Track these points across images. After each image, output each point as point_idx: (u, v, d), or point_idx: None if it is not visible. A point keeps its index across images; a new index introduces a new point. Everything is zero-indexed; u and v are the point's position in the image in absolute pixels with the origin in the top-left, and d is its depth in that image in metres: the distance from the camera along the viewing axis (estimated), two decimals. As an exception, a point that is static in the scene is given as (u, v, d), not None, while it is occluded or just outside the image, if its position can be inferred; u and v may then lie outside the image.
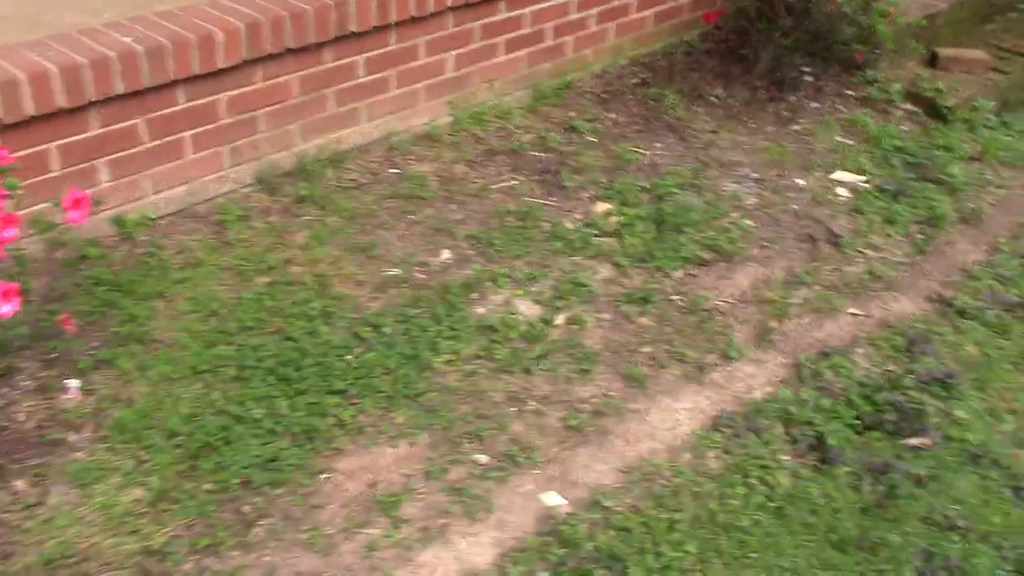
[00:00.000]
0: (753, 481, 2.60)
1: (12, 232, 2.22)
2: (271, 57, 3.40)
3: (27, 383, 2.57)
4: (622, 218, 3.55)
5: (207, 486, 2.40)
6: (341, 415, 2.64)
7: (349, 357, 2.82)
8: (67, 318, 2.44)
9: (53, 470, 2.37)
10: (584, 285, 3.21)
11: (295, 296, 3.02)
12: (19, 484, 2.32)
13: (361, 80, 3.71)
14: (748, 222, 3.62)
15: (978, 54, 4.84)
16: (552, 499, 2.50)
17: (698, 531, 2.45)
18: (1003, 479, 2.68)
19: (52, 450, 2.42)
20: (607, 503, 2.49)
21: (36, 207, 2.94)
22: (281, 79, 3.47)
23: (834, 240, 3.59)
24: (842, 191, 3.89)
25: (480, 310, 3.07)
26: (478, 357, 2.90)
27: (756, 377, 2.96)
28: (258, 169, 3.52)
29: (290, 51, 3.44)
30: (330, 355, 2.81)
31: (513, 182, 3.72)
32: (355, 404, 2.69)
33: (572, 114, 4.18)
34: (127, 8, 3.36)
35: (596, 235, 3.47)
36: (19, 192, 2.34)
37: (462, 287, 3.14)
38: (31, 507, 2.28)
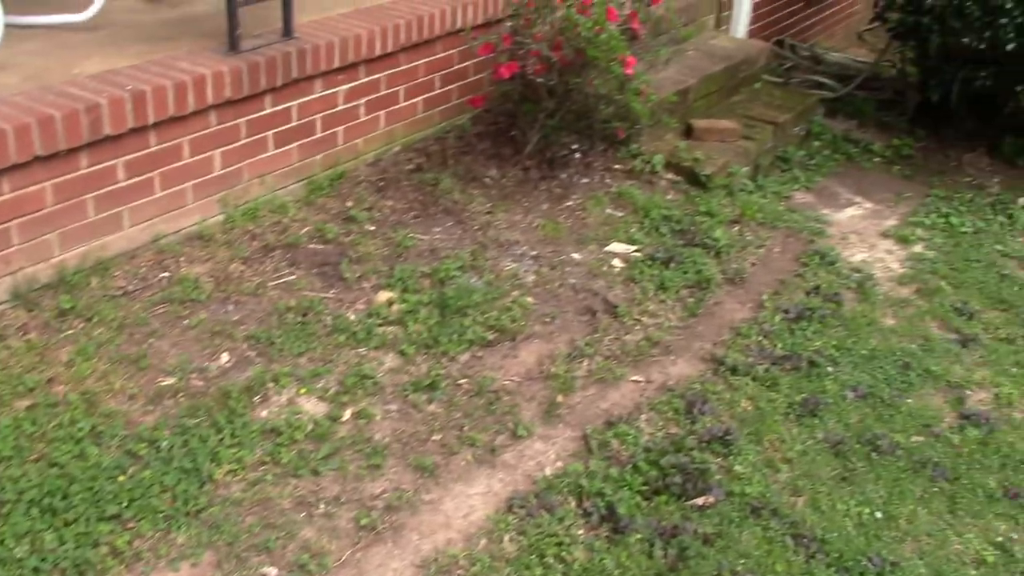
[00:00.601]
0: (549, 560, 2.62)
1: None
2: (18, 167, 3.23)
3: None
4: (404, 305, 3.55)
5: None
6: (115, 542, 2.48)
7: (122, 478, 2.66)
8: None
9: None
10: (370, 377, 3.18)
11: (59, 418, 2.83)
12: None
13: (122, 183, 3.57)
14: (529, 299, 3.70)
15: (729, 124, 5.18)
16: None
17: (499, 618, 2.43)
18: (783, 528, 2.80)
19: None
20: (401, 605, 2.44)
21: None
22: (32, 188, 3.29)
23: (612, 310, 3.71)
24: (616, 262, 4.04)
25: (263, 413, 2.98)
26: (263, 463, 2.80)
27: (546, 453, 3.00)
28: (13, 285, 3.30)
29: (39, 159, 3.27)
30: (101, 478, 2.64)
31: (291, 277, 3.66)
32: (130, 528, 2.53)
33: (348, 204, 4.17)
34: None
35: (379, 325, 3.45)
36: None
37: (243, 391, 3.04)
38: None
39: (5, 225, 3.25)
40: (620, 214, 4.42)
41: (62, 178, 3.38)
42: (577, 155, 4.76)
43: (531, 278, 3.85)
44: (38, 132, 3.22)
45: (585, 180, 4.65)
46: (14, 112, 3.23)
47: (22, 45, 3.84)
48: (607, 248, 4.15)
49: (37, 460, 2.68)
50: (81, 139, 3.36)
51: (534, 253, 4.02)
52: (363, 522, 2.65)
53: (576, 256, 4.04)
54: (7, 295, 3.29)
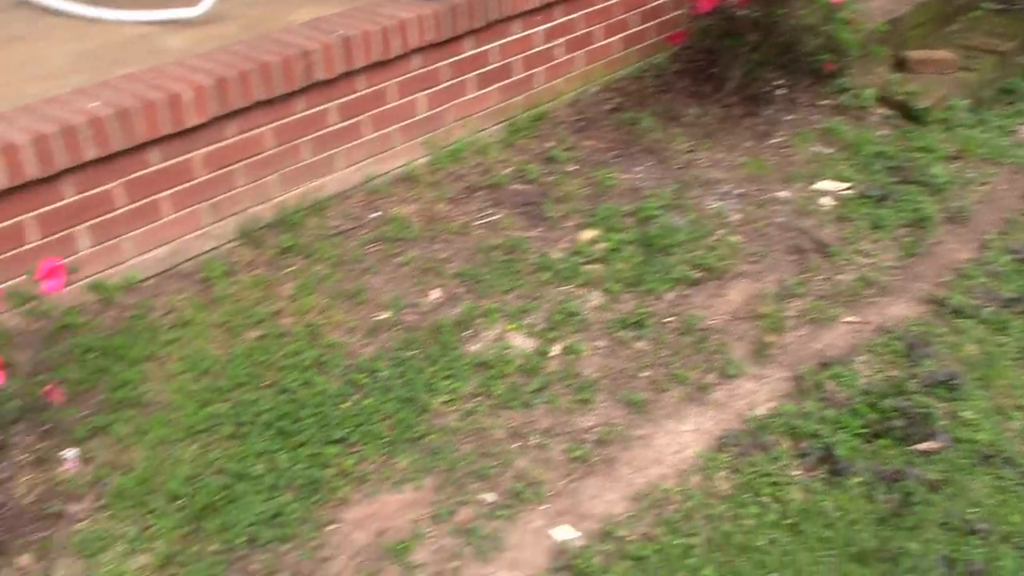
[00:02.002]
0: (765, 499, 2.57)
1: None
2: (242, 111, 3.38)
3: (23, 457, 2.52)
4: (608, 244, 3.53)
5: (213, 547, 2.35)
6: (343, 464, 2.60)
7: (346, 405, 2.78)
8: (52, 389, 2.39)
9: (56, 543, 2.32)
10: (576, 314, 3.19)
11: (287, 348, 2.98)
12: (23, 560, 2.26)
13: (335, 127, 3.70)
14: (734, 238, 3.61)
15: (945, 54, 4.87)
16: (564, 533, 2.45)
17: (714, 555, 2.41)
18: (1017, 477, 2.65)
19: (54, 523, 2.37)
20: (620, 533, 2.45)
21: (16, 280, 2.90)
22: (254, 132, 3.45)
23: (822, 250, 3.58)
24: (826, 200, 3.89)
25: (474, 347, 3.04)
26: (476, 395, 2.86)
27: (757, 393, 2.94)
28: (239, 224, 3.48)
29: (260, 103, 3.43)
30: (327, 404, 2.77)
31: (496, 216, 3.70)
32: (356, 452, 2.65)
33: (549, 144, 4.18)
34: (92, 74, 3.33)
35: (584, 263, 3.45)
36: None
37: (454, 325, 3.11)
38: (35, 584, 2.23)
39: (232, 167, 3.42)
40: (828, 151, 4.24)
41: (281, 122, 3.52)
42: (781, 91, 4.59)
43: (736, 217, 3.75)
44: (258, 78, 3.36)
45: (790, 116, 4.48)
46: (236, 60, 3.38)
47: (240, -4, 4.01)
48: (815, 186, 3.99)
49: (269, 386, 2.83)
50: (296, 84, 3.49)
51: (739, 191, 3.91)
52: (575, 454, 2.67)
53: (783, 194, 3.91)
54: (235, 233, 3.47)
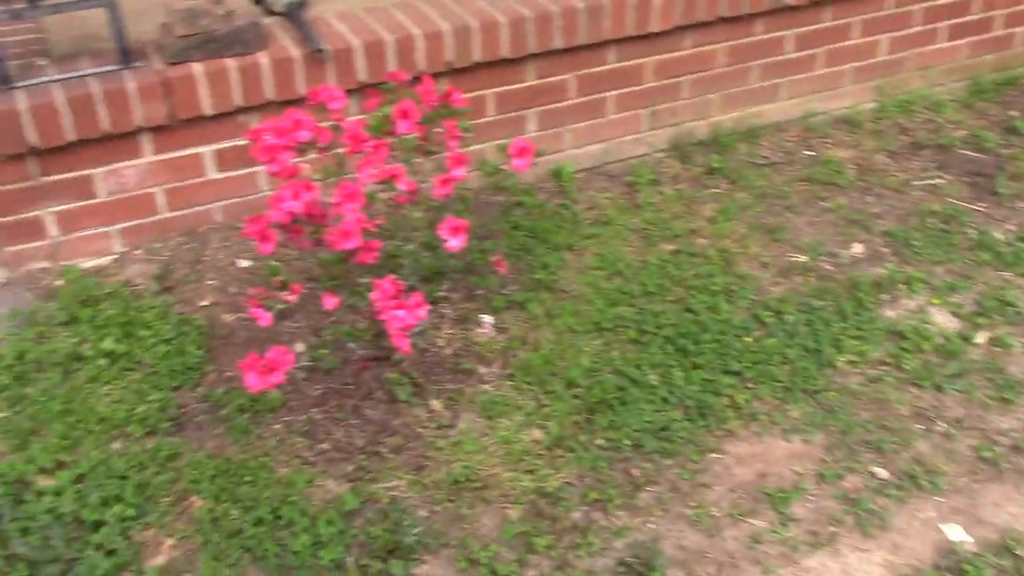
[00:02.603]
0: None
1: (461, 172, 2.34)
2: (703, 25, 3.36)
3: (449, 312, 2.74)
4: (1063, 237, 3.17)
5: (600, 441, 2.44)
6: (735, 397, 2.58)
7: (748, 339, 2.74)
8: (500, 260, 2.55)
9: (464, 397, 2.51)
10: (1012, 305, 2.91)
11: (698, 268, 2.98)
12: (435, 404, 2.48)
13: (788, 56, 3.58)
14: None
15: None
16: (955, 533, 2.29)
17: None
18: None
19: (465, 379, 2.56)
20: (1020, 551, 2.25)
21: (471, 148, 3.11)
22: (708, 48, 3.42)
23: None
24: None
25: (890, 313, 2.87)
26: (884, 363, 2.71)
27: None
28: (673, 135, 3.50)
29: (722, 20, 3.38)
30: (728, 334, 2.75)
31: (939, 180, 3.44)
32: (750, 389, 2.61)
33: (1014, 113, 3.79)
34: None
35: (1032, 251, 3.13)
36: (469, 135, 2.47)
37: (872, 286, 2.95)
38: (443, 427, 2.43)
39: (679, 79, 3.43)
40: None
41: (736, 42, 3.46)
42: None
43: None
44: (729, -7, 3.31)
45: None
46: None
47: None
48: None
49: (675, 302, 2.86)
50: (762, 6, 3.40)
51: None
52: (985, 454, 2.47)
53: None
54: (667, 144, 3.50)
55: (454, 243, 2.22)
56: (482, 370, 2.60)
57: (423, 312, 2.14)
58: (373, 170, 2.23)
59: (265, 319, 2.10)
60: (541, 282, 2.86)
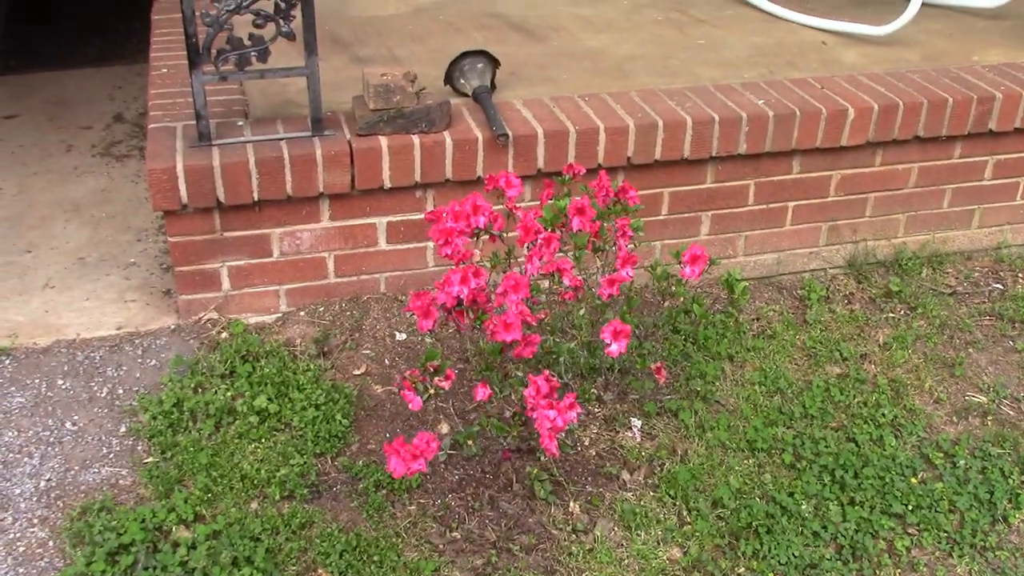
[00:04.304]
0: None
1: (629, 272, 2.29)
2: (896, 143, 3.23)
3: (599, 412, 2.67)
4: None
5: (741, 570, 2.30)
6: (895, 542, 2.40)
7: (914, 480, 2.56)
8: (660, 367, 2.47)
9: (604, 503, 2.43)
10: None
11: (866, 396, 2.82)
12: (573, 506, 2.40)
13: (985, 182, 3.40)
14: None
15: None
16: None
17: None
18: None
19: (607, 483, 2.48)
20: None
21: (641, 245, 3.06)
22: (900, 166, 3.29)
23: None
24: None
25: (1078, 472, 2.63)
26: (1067, 527, 2.48)
27: None
28: (852, 253, 3.36)
29: (918, 139, 3.24)
30: (893, 471, 2.57)
31: None
32: (912, 534, 2.43)
33: None
34: (764, 70, 3.38)
35: None
36: (640, 235, 2.42)
37: (1059, 439, 2.72)
38: (578, 532, 2.35)
39: (866, 195, 3.30)
40: None
41: (931, 163, 3.32)
42: None
43: None
44: (926, 114, 3.18)
45: None
46: (908, 90, 3.22)
47: (927, 24, 3.83)
48: None
49: (836, 429, 2.70)
50: (962, 129, 3.25)
51: None
52: None
53: None
54: (844, 261, 3.36)
55: (615, 347, 2.16)
56: (625, 476, 2.51)
57: (574, 415, 2.08)
58: (541, 262, 2.21)
59: (416, 403, 2.08)
60: (697, 392, 2.76)
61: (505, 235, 2.34)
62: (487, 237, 2.31)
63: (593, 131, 2.92)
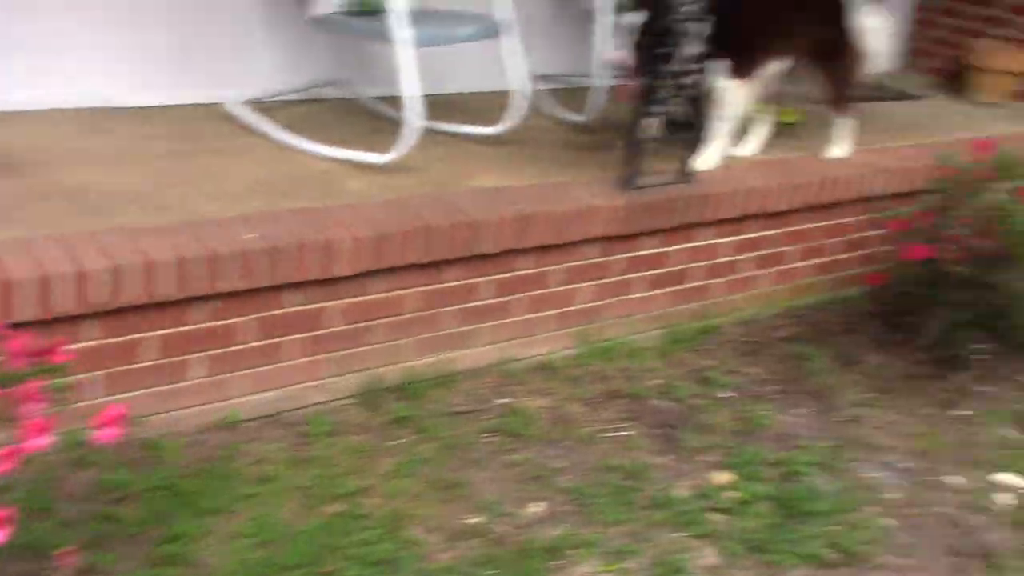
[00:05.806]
0: None
1: (43, 441, 2.07)
2: (393, 270, 3.30)
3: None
4: (742, 494, 3.17)
5: None
6: None
7: (399, 619, 2.53)
8: (66, 554, 2.22)
9: None
10: (682, 571, 2.84)
11: (362, 534, 2.77)
12: None
13: (484, 301, 3.57)
14: (886, 521, 3.17)
15: None
16: None
17: None
18: None
19: None
20: None
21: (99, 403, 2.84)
22: (400, 292, 3.36)
23: (987, 558, 3.08)
24: (1004, 498, 3.38)
25: (559, 583, 2.74)
26: (543, 644, 2.55)
27: None
28: (361, 381, 3.37)
29: (415, 265, 3.33)
30: (380, 612, 2.53)
31: (628, 432, 3.42)
32: None
33: (708, 363, 3.88)
34: (265, 201, 3.32)
35: (708, 510, 3.10)
36: (66, 394, 2.21)
37: (545, 551, 2.82)
38: None
39: (368, 324, 3.33)
40: (1021, 437, 3.73)
41: (429, 287, 3.42)
42: (981, 357, 4.12)
43: (894, 495, 3.31)
44: (420, 240, 3.28)
45: (984, 388, 4.00)
46: (403, 217, 3.31)
47: (433, 150, 3.96)
48: (996, 477, 3.49)
49: (329, 574, 2.63)
50: (456, 253, 3.39)
51: (904, 465, 3.47)
52: None
53: (955, 480, 3.44)
54: (352, 391, 3.35)
55: (-7, 539, 1.92)
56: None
57: None
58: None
59: None
60: (170, 557, 2.57)
61: None
62: None
63: (45, 279, 2.69)
